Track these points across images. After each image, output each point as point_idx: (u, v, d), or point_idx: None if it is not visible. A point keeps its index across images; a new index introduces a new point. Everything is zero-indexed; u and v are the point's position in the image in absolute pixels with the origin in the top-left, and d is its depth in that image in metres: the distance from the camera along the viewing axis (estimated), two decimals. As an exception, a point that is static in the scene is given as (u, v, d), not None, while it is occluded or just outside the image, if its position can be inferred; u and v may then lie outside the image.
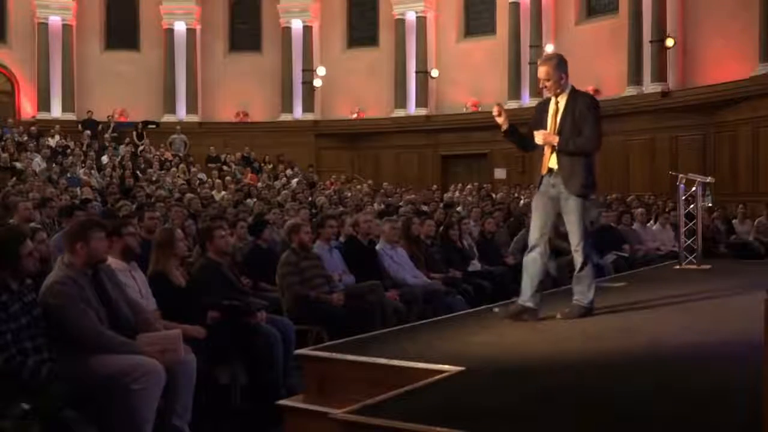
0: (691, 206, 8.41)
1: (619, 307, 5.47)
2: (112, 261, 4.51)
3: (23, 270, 3.80)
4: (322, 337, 5.75)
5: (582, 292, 5.16)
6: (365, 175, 21.14)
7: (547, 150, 5.12)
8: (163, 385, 3.85)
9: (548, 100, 5.20)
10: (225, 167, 19.93)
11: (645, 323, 4.98)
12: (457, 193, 17.14)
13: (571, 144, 5.00)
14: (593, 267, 5.20)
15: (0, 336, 3.59)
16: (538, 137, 5.10)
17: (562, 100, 5.10)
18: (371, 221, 7.49)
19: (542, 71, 5.08)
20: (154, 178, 16.25)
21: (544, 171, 5.16)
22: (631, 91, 18.03)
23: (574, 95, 5.11)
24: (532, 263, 5.13)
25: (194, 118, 23.03)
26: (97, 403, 3.76)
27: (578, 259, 5.16)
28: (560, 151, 5.05)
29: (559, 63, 5.08)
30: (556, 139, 5.04)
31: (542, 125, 5.13)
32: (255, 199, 13.75)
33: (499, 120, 5.11)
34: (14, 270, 3.76)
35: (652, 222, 11.55)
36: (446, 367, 3.66)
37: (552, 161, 5.10)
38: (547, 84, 5.08)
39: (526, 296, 5.10)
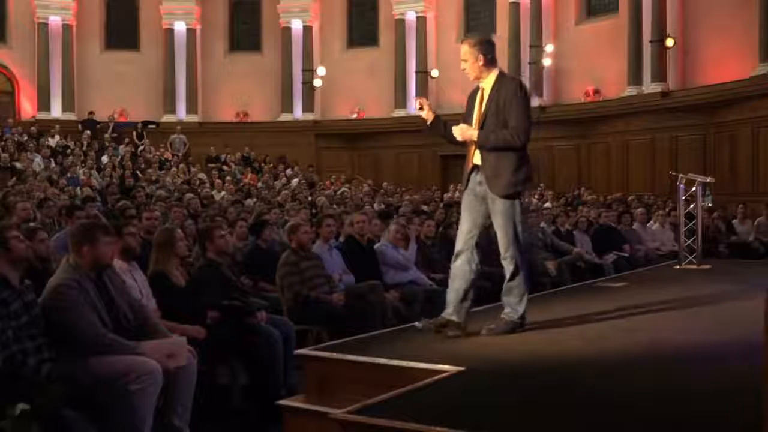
0: (691, 206, 8.41)
1: (619, 307, 5.47)
2: (114, 261, 4.51)
3: (16, 255, 3.80)
4: (322, 337, 5.74)
5: (512, 305, 4.64)
6: (365, 175, 21.14)
7: (470, 144, 4.57)
8: (160, 385, 3.85)
9: (478, 87, 4.62)
10: (225, 167, 19.94)
11: (645, 323, 4.97)
12: (457, 193, 17.14)
13: (492, 138, 4.43)
14: (526, 276, 4.63)
15: (1, 333, 3.60)
16: (456, 132, 4.53)
17: (487, 87, 4.52)
18: (365, 221, 7.47)
19: (461, 51, 4.54)
20: (154, 178, 16.26)
21: (468, 167, 4.61)
22: (631, 91, 18.03)
23: (500, 80, 4.51)
24: (459, 272, 4.62)
25: (194, 118, 23.04)
26: (97, 404, 3.76)
27: (508, 267, 4.60)
28: (481, 147, 4.50)
29: (478, 42, 4.51)
30: (475, 134, 4.48)
31: (471, 116, 4.59)
32: (255, 199, 13.75)
33: (424, 114, 4.62)
34: (8, 256, 3.75)
35: (652, 222, 11.55)
36: (446, 367, 3.66)
37: (476, 157, 4.55)
38: (465, 66, 4.53)
39: (450, 308, 4.62)
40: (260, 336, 5.14)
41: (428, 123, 4.65)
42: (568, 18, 20.18)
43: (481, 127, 4.49)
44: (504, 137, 4.41)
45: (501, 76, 4.54)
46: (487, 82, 4.53)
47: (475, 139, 4.49)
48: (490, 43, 4.57)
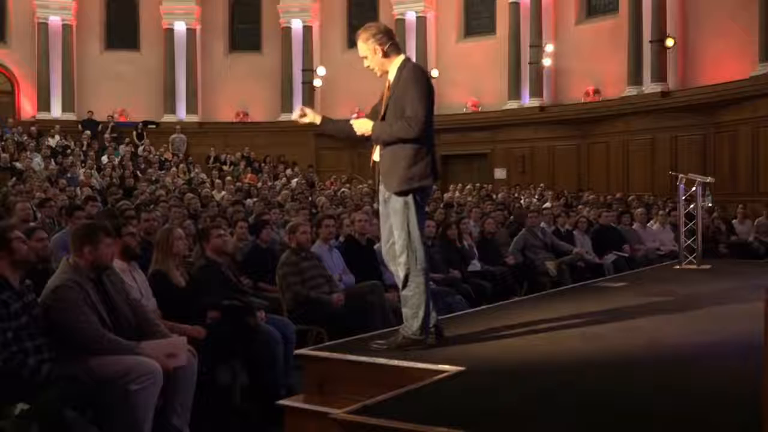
0: (691, 206, 8.40)
1: (619, 307, 5.47)
2: (114, 261, 4.51)
3: (18, 256, 3.80)
4: (322, 337, 5.74)
5: (407, 318, 4.18)
6: (365, 176, 21.12)
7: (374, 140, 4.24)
8: (161, 385, 3.85)
9: None
10: (225, 167, 19.94)
11: (645, 323, 4.97)
12: (457, 193, 17.13)
13: (387, 131, 4.08)
14: (425, 286, 4.13)
15: (2, 333, 3.60)
16: (355, 126, 4.22)
17: (391, 77, 4.16)
18: (365, 220, 7.47)
19: (358, 49, 4.20)
20: (154, 178, 16.27)
21: (371, 165, 4.29)
22: (631, 91, 18.04)
23: (401, 69, 4.14)
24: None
25: (194, 118, 23.06)
26: (97, 404, 3.76)
27: (400, 273, 4.16)
28: (375, 141, 4.18)
29: (371, 36, 4.13)
30: (369, 129, 4.15)
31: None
32: (255, 199, 13.74)
33: (308, 119, 4.31)
34: (9, 256, 3.75)
35: (652, 222, 11.55)
36: (446, 367, 3.66)
37: (376, 153, 4.22)
38: (367, 63, 4.19)
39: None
40: (260, 336, 5.14)
41: (319, 124, 4.34)
42: (568, 18, 20.19)
43: (383, 119, 4.14)
44: (399, 129, 4.04)
45: (404, 64, 4.16)
46: (390, 72, 4.18)
47: (370, 133, 4.16)
48: (384, 32, 4.18)
